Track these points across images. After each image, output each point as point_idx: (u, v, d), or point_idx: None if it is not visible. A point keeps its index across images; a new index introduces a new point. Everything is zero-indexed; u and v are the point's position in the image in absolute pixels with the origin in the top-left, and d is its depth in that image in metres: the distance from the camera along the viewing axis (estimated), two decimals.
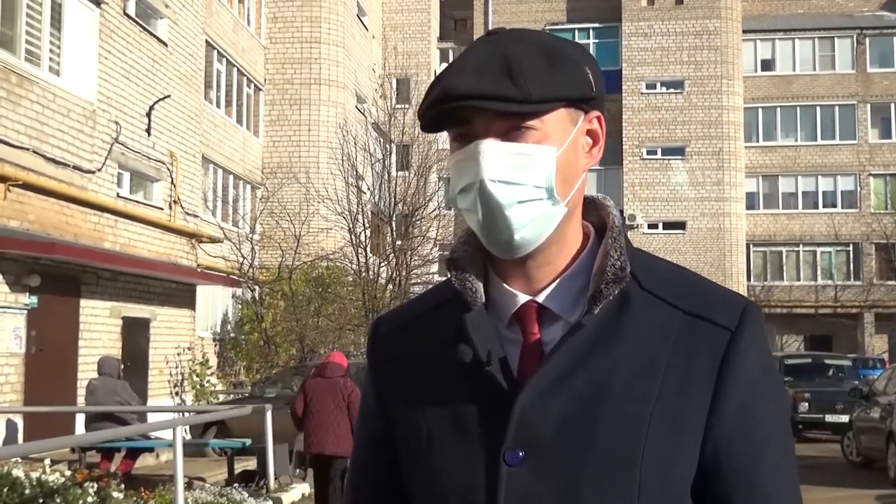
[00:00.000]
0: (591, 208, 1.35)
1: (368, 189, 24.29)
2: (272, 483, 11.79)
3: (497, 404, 1.24)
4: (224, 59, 25.88)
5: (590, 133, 1.30)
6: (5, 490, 8.08)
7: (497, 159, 1.22)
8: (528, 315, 1.28)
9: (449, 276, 1.33)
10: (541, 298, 1.28)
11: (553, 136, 1.24)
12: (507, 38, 1.27)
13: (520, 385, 1.23)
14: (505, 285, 1.30)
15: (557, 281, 1.29)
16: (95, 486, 8.73)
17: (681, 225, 38.82)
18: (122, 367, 13.27)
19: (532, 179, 1.23)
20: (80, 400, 14.36)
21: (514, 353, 1.27)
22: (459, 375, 1.27)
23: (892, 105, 40.62)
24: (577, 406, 1.22)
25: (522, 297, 1.28)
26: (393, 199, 23.66)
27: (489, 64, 1.23)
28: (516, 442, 1.22)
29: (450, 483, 1.26)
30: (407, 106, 26.30)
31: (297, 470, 13.09)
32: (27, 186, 13.71)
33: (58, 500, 8.08)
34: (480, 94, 1.21)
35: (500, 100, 1.20)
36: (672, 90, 39.37)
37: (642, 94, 39.50)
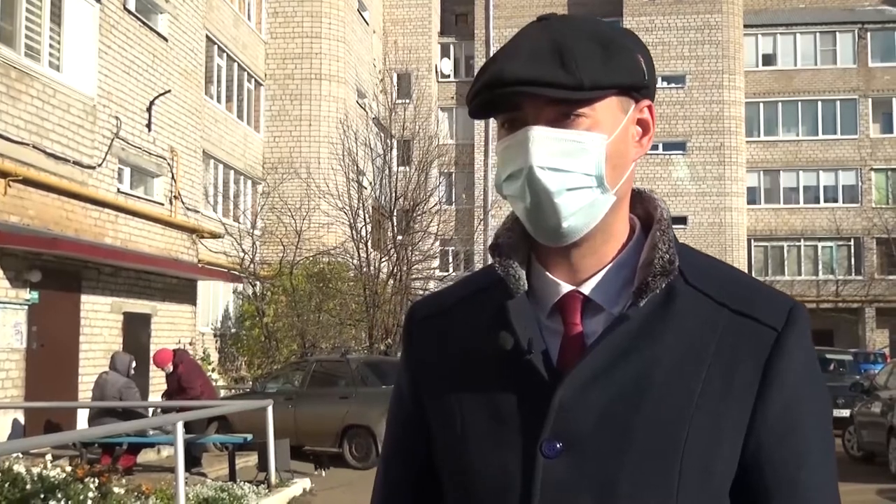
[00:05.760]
0: (638, 201, 1.33)
1: (369, 184, 24.26)
2: (273, 478, 11.81)
3: (536, 395, 1.22)
4: (224, 54, 25.84)
5: (640, 122, 1.28)
6: (6, 485, 8.08)
7: (547, 146, 1.19)
8: (570, 305, 1.26)
9: (492, 261, 1.31)
10: (585, 289, 1.26)
11: (604, 124, 1.22)
12: (559, 24, 1.24)
13: (560, 376, 1.21)
14: (548, 274, 1.27)
15: (603, 271, 1.26)
16: (96, 481, 8.73)
17: (682, 220, 38.75)
18: (134, 364, 13.25)
19: (582, 167, 1.20)
20: (81, 395, 14.38)
21: (555, 344, 1.25)
22: (498, 364, 1.25)
23: (894, 99, 40.51)
24: (617, 399, 1.20)
25: (566, 287, 1.26)
26: (394, 195, 23.61)
27: (541, 50, 1.20)
28: (554, 433, 1.20)
29: (484, 473, 1.24)
30: (407, 101, 26.26)
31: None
32: (28, 182, 13.70)
33: (59, 496, 8.08)
34: (532, 79, 1.18)
35: (552, 86, 1.18)
36: (673, 85, 39.29)
37: None
